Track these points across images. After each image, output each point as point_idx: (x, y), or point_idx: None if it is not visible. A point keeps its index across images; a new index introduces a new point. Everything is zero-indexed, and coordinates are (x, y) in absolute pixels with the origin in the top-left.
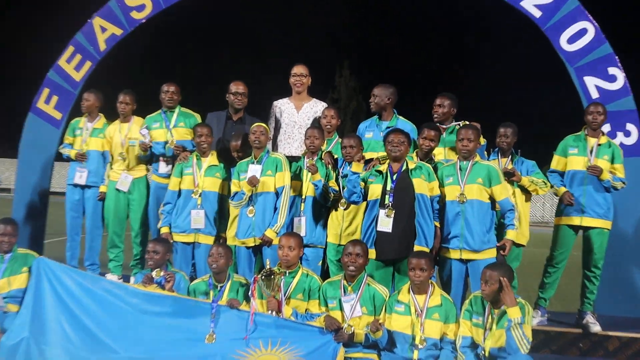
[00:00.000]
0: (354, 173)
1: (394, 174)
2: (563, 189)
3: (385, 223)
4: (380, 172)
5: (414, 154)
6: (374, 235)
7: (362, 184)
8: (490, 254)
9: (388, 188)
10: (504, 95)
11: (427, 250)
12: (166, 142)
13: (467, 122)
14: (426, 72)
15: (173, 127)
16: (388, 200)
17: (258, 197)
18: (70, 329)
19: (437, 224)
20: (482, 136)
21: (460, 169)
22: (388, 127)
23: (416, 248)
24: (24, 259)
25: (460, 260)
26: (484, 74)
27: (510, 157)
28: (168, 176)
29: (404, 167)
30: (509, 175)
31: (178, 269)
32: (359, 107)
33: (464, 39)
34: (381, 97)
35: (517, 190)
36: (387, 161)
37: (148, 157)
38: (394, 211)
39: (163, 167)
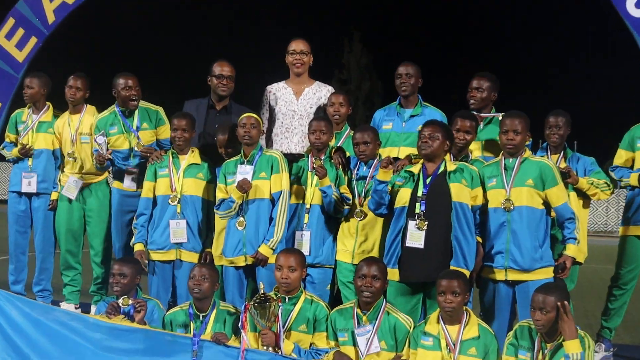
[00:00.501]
0: (381, 182)
1: (428, 176)
2: (635, 177)
3: (416, 237)
4: (411, 173)
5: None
6: (399, 252)
7: (390, 188)
8: (544, 274)
9: (419, 194)
10: (550, 76)
11: (466, 272)
12: (130, 150)
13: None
14: (456, 46)
15: (137, 129)
16: (419, 208)
17: (250, 206)
18: None
19: (480, 240)
20: None
21: (505, 169)
22: (412, 116)
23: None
24: None
25: (506, 282)
26: (527, 49)
27: (562, 153)
28: (135, 192)
29: (441, 169)
30: (563, 177)
31: (154, 295)
32: (373, 89)
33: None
34: (416, 77)
35: (573, 194)
36: (421, 161)
37: (107, 168)
38: (426, 222)
39: (128, 182)
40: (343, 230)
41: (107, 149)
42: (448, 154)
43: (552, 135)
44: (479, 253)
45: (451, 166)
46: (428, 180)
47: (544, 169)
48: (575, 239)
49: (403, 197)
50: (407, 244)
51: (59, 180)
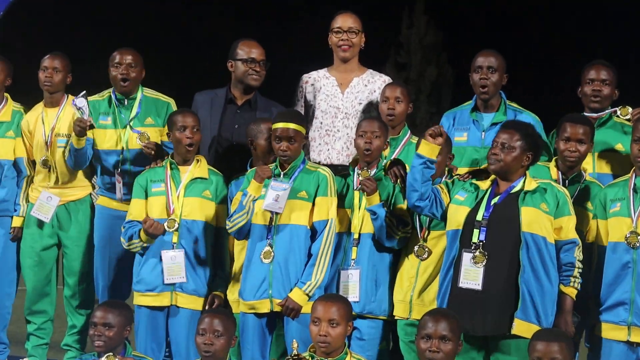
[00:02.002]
0: (420, 156)
1: (496, 195)
2: None
3: (472, 275)
4: (477, 187)
5: (549, 164)
6: (451, 292)
7: (446, 195)
8: None
9: (479, 217)
10: None
11: (536, 328)
12: (122, 151)
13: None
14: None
15: (133, 123)
16: (477, 237)
17: (281, 232)
18: None
19: (570, 291)
20: None
21: (634, 191)
22: (495, 124)
23: (519, 324)
24: None
25: (629, 343)
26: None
27: None
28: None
29: (516, 188)
30: None
31: (142, 351)
32: (441, 77)
33: None
34: (501, 72)
35: None
36: (493, 177)
37: (84, 160)
38: (486, 257)
39: (119, 191)
40: (401, 272)
41: (89, 115)
42: (549, 164)
43: None
44: (565, 310)
45: (531, 184)
46: (494, 201)
47: None
48: None
49: (458, 217)
50: (460, 284)
51: (26, 199)
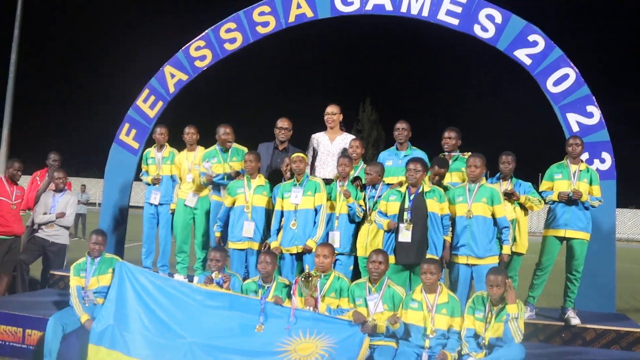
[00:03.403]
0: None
1: (412, 194)
2: (556, 193)
3: (406, 235)
4: (400, 192)
5: (427, 178)
6: (394, 244)
7: (384, 204)
8: (492, 260)
9: (406, 206)
10: (496, 128)
11: (436, 258)
12: (225, 174)
13: (471, 153)
14: (435, 108)
15: (230, 161)
16: (407, 216)
17: (299, 214)
18: (146, 318)
19: (447, 238)
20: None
21: (469, 190)
22: (405, 156)
23: (428, 256)
24: (110, 262)
25: (467, 265)
26: (482, 109)
27: (510, 180)
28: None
29: (420, 189)
30: (510, 195)
31: (235, 270)
32: (379, 136)
33: (469, 78)
34: (408, 129)
35: (517, 208)
36: (407, 183)
37: (209, 184)
38: (412, 225)
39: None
40: (360, 233)
41: (212, 172)
42: (427, 178)
43: (505, 168)
44: (445, 247)
45: (427, 187)
46: (412, 197)
47: (494, 193)
48: (507, 240)
49: (394, 208)
50: (399, 240)
51: (177, 195)
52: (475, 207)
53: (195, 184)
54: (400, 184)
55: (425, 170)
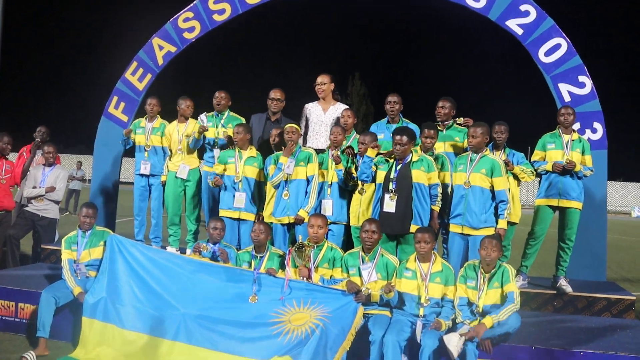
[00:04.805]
0: (369, 157)
1: (399, 165)
2: (550, 164)
3: (390, 205)
4: (388, 161)
5: (418, 147)
6: (379, 214)
7: (374, 167)
8: (487, 232)
9: (392, 176)
10: (488, 100)
11: (419, 226)
12: (215, 139)
13: (462, 119)
14: (425, 81)
15: (222, 127)
16: (392, 186)
17: (292, 183)
18: (139, 290)
19: (435, 208)
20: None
21: (470, 160)
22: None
23: (412, 227)
24: (101, 234)
25: (462, 234)
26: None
27: (503, 150)
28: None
29: (408, 159)
30: (504, 165)
31: (227, 241)
32: (367, 110)
33: (457, 53)
34: (400, 103)
35: (510, 178)
36: (394, 155)
37: (199, 145)
38: (396, 196)
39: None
40: (353, 203)
41: (206, 124)
42: (418, 147)
43: (498, 138)
44: (433, 217)
45: (415, 157)
46: (399, 167)
47: (495, 164)
48: (504, 215)
49: (381, 177)
50: (384, 210)
51: (167, 167)
52: (473, 177)
53: (186, 151)
54: (390, 154)
55: (412, 140)
